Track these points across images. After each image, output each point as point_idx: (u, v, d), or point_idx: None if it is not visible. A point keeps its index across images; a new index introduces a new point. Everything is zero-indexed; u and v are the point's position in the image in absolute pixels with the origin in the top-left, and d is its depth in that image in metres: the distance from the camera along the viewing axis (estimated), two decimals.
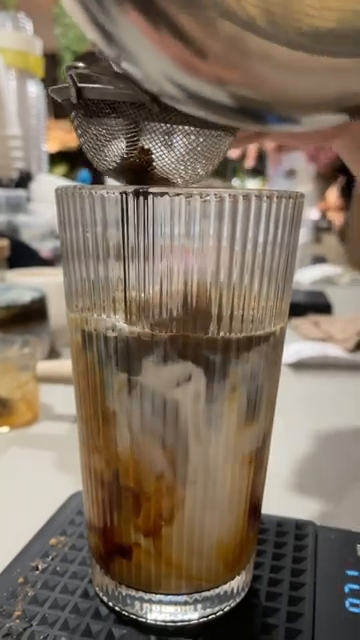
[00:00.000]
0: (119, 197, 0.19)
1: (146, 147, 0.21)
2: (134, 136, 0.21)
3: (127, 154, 0.21)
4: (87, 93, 0.20)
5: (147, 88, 0.18)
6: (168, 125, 0.21)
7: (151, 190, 0.19)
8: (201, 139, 0.22)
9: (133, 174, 0.22)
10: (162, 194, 0.19)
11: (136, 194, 0.19)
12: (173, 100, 0.17)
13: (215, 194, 0.19)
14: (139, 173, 0.22)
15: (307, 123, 0.17)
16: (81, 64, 0.19)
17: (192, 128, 0.21)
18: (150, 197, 0.19)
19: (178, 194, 0.19)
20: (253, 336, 0.21)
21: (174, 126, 0.21)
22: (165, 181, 0.23)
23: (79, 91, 0.20)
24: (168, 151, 0.21)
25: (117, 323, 0.21)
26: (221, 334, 0.20)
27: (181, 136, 0.21)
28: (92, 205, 0.20)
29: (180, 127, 0.21)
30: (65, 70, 0.20)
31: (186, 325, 0.20)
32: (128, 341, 0.20)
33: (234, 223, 0.19)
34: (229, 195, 0.19)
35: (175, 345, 0.20)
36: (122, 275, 0.20)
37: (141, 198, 0.19)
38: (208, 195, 0.19)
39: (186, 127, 0.21)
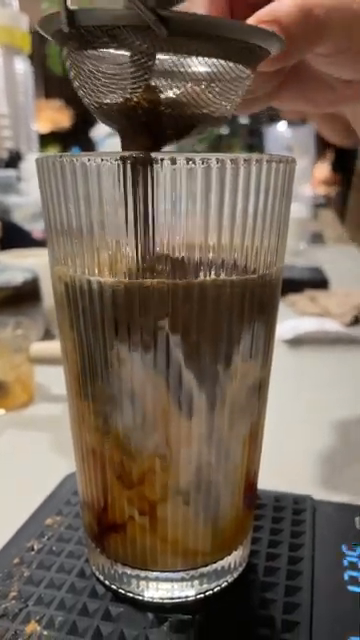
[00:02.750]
0: (100, 165, 0.18)
1: (152, 84, 0.18)
2: (138, 71, 0.17)
3: (130, 94, 0.18)
4: (81, 18, 0.16)
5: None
6: (177, 56, 0.17)
7: (134, 156, 0.18)
8: (214, 70, 0.18)
9: (135, 118, 0.19)
10: (146, 160, 0.18)
11: (121, 161, 0.18)
12: None
13: (202, 159, 0.18)
14: (141, 117, 0.19)
15: None
16: None
17: (204, 60, 0.17)
18: (133, 164, 0.18)
19: (163, 159, 0.18)
20: (247, 279, 0.20)
21: (185, 58, 0.17)
22: (173, 127, 0.19)
23: (71, 15, 0.16)
24: (177, 89, 0.18)
25: (102, 277, 0.19)
26: (211, 277, 0.19)
27: (192, 69, 0.18)
28: (73, 174, 0.19)
29: (191, 60, 0.17)
30: None
31: (175, 272, 0.19)
32: (114, 294, 0.19)
33: (222, 188, 0.18)
34: (216, 160, 0.18)
35: (163, 292, 0.19)
36: (105, 235, 0.19)
37: (124, 165, 0.18)
38: (194, 160, 0.18)
39: (197, 59, 0.17)
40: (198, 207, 0.18)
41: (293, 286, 0.80)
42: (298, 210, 1.21)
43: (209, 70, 0.18)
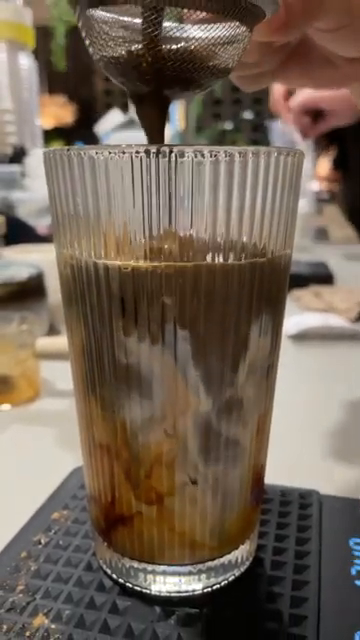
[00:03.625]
0: (108, 158, 0.18)
1: (155, 39, 0.19)
2: (142, 24, 0.19)
3: (134, 48, 0.20)
4: None
5: None
6: (178, 10, 0.19)
7: (141, 149, 0.18)
8: (215, 31, 0.20)
9: (141, 74, 0.20)
10: (155, 153, 0.18)
11: (122, 153, 0.18)
12: None
13: (211, 151, 0.18)
14: (147, 72, 0.20)
15: None
16: None
17: (204, 15, 0.19)
18: (141, 156, 0.18)
19: (171, 152, 0.18)
20: (256, 263, 0.20)
21: (186, 15, 0.19)
22: (176, 80, 0.21)
23: None
24: (180, 45, 0.19)
25: (108, 259, 0.19)
26: (220, 260, 0.19)
27: (194, 28, 0.19)
28: (81, 167, 0.19)
29: (193, 17, 0.19)
30: None
31: (183, 255, 0.19)
32: (121, 277, 0.19)
33: (231, 180, 0.18)
34: (225, 152, 0.18)
35: (170, 274, 0.19)
36: (112, 226, 0.19)
37: (131, 158, 0.18)
38: (203, 153, 0.18)
39: (199, 15, 0.19)
40: (206, 200, 0.18)
41: (298, 281, 0.80)
42: (302, 205, 1.21)
43: (209, 26, 0.20)
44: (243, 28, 0.21)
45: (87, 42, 0.21)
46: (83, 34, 0.21)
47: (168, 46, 0.20)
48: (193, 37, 0.20)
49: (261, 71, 0.29)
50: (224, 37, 0.21)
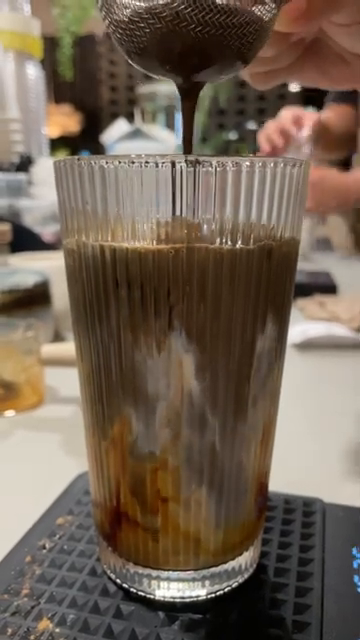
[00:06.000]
0: (118, 167, 0.19)
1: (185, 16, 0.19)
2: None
3: (161, 17, 0.19)
4: None
5: None
6: None
7: (150, 159, 0.18)
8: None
9: (171, 48, 0.20)
10: (164, 163, 0.18)
11: (131, 163, 0.18)
12: None
13: (218, 161, 0.18)
14: (178, 50, 0.20)
15: None
16: None
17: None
18: (150, 166, 0.18)
19: (180, 162, 0.18)
20: (264, 246, 0.20)
21: None
22: (199, 59, 0.20)
23: None
24: (206, 17, 0.19)
25: (115, 242, 0.20)
26: (227, 246, 0.19)
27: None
28: (91, 176, 0.19)
29: None
30: None
31: (190, 237, 0.19)
32: (128, 261, 0.19)
33: (238, 189, 0.19)
34: (232, 162, 0.18)
35: (178, 258, 0.19)
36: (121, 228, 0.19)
37: (140, 167, 0.18)
38: (211, 163, 0.18)
39: None
40: (215, 210, 0.19)
41: (302, 291, 0.80)
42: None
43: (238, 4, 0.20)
44: (272, 5, 0.21)
45: (106, 22, 0.21)
46: (102, 14, 0.21)
47: (193, 23, 0.19)
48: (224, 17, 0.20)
49: (276, 67, 0.30)
50: (251, 14, 0.20)
